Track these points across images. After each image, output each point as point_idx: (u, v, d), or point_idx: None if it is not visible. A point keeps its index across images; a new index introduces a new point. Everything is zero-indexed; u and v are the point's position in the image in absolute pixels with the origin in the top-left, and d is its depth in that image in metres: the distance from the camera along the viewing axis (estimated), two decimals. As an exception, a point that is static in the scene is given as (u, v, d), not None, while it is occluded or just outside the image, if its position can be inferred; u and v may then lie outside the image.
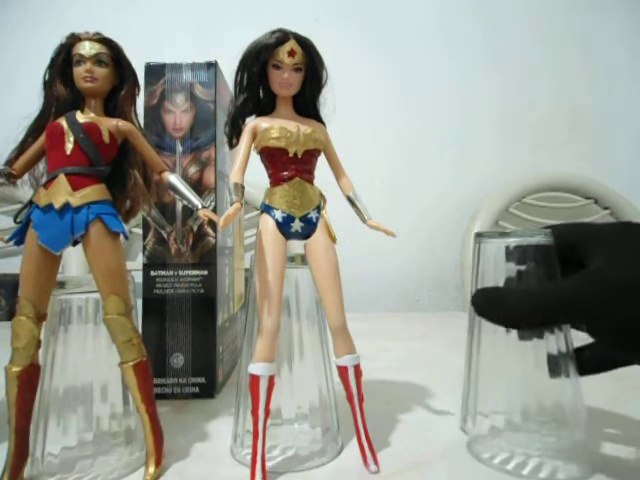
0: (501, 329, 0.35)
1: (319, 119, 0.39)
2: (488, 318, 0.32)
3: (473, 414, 0.37)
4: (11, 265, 1.18)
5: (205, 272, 0.50)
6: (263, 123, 0.36)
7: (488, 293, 0.32)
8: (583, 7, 1.27)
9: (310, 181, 0.37)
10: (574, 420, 0.35)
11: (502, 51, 1.26)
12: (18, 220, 0.34)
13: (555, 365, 0.34)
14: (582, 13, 1.27)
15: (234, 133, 0.37)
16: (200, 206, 0.35)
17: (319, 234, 0.36)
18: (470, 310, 0.37)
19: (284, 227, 0.35)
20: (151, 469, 0.34)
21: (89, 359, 0.36)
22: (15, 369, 0.32)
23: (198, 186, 0.50)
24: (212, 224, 0.50)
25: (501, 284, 0.36)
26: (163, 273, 0.50)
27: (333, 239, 0.37)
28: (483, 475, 0.34)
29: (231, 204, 0.33)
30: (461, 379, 0.39)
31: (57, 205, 0.33)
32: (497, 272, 0.36)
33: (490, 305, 0.31)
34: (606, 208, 1.23)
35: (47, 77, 0.36)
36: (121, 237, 0.35)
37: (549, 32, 1.27)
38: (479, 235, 0.37)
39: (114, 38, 0.36)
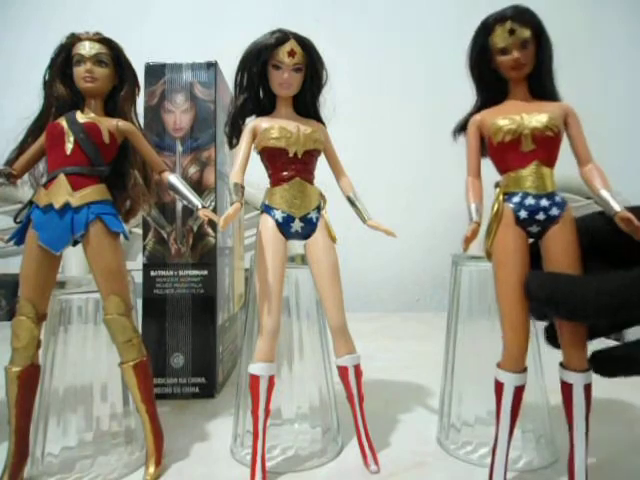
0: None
1: (319, 119, 0.39)
2: (550, 307, 0.29)
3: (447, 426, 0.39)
4: (11, 265, 1.18)
5: (205, 272, 0.50)
6: (263, 123, 0.36)
7: (558, 283, 0.29)
8: (584, 6, 1.27)
9: (310, 181, 0.37)
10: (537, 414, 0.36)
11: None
12: (18, 220, 0.34)
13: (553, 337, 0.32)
14: (583, 13, 1.27)
15: (234, 133, 0.37)
16: (200, 206, 0.35)
17: (319, 234, 0.36)
18: (448, 315, 0.39)
19: (284, 227, 0.35)
20: (151, 469, 0.34)
21: (89, 359, 0.36)
22: (15, 369, 0.32)
23: (198, 186, 0.50)
24: (212, 224, 0.50)
25: (474, 306, 0.36)
26: (163, 273, 0.50)
27: (333, 239, 0.37)
28: (481, 475, 0.34)
29: (231, 204, 0.33)
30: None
31: (57, 205, 0.33)
32: (471, 293, 0.37)
33: (563, 298, 0.28)
34: (606, 208, 1.22)
35: (47, 77, 0.36)
36: (121, 237, 0.35)
37: (550, 32, 1.27)
38: (456, 258, 0.39)
39: (114, 38, 0.36)
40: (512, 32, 0.31)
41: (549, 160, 0.32)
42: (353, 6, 1.24)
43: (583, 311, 0.28)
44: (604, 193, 0.30)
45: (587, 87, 1.29)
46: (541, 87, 0.33)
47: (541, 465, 0.35)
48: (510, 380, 0.31)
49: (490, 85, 0.34)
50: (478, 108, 0.35)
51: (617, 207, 0.30)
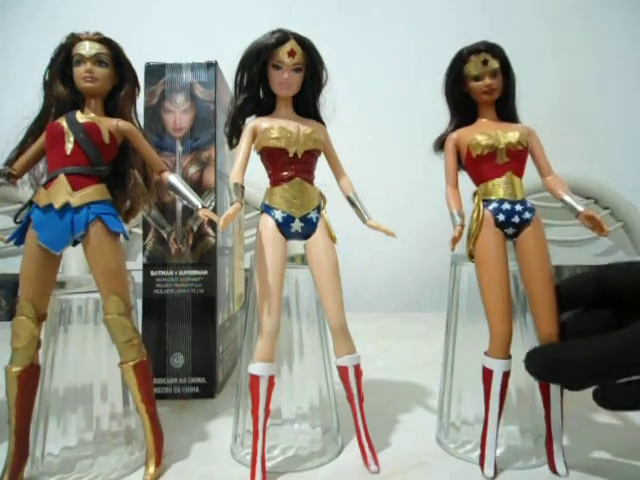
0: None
1: (319, 119, 0.39)
2: (550, 382, 0.33)
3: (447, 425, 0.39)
4: (11, 265, 1.17)
5: (205, 272, 0.50)
6: (263, 123, 0.36)
7: (545, 358, 0.32)
8: (584, 5, 1.27)
9: (310, 181, 0.37)
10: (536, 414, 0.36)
11: (502, 51, 1.26)
12: (18, 220, 0.34)
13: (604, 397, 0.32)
14: (582, 13, 1.27)
15: (234, 133, 0.37)
16: (200, 206, 0.35)
17: (319, 234, 0.36)
18: (447, 314, 0.40)
19: (284, 227, 0.35)
20: (151, 469, 0.34)
21: (89, 359, 0.36)
22: (15, 369, 0.32)
23: (198, 186, 0.50)
24: (212, 224, 0.50)
25: (473, 305, 0.37)
26: (163, 273, 0.50)
27: (333, 239, 0.37)
28: (481, 474, 0.34)
29: (231, 204, 0.33)
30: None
31: (57, 205, 0.33)
32: (470, 292, 0.38)
33: (550, 371, 0.31)
34: (606, 208, 1.23)
35: (47, 77, 0.36)
36: (121, 237, 0.35)
37: (549, 32, 1.27)
38: (455, 258, 0.40)
39: (114, 38, 0.36)
40: (485, 62, 0.36)
41: (519, 171, 0.37)
42: (353, 6, 1.24)
43: (577, 381, 0.31)
44: (567, 198, 0.36)
45: (587, 87, 1.29)
46: (506, 110, 0.38)
47: (539, 464, 0.35)
48: (499, 366, 0.34)
49: (463, 108, 0.39)
50: (453, 128, 0.39)
51: (580, 208, 0.35)
